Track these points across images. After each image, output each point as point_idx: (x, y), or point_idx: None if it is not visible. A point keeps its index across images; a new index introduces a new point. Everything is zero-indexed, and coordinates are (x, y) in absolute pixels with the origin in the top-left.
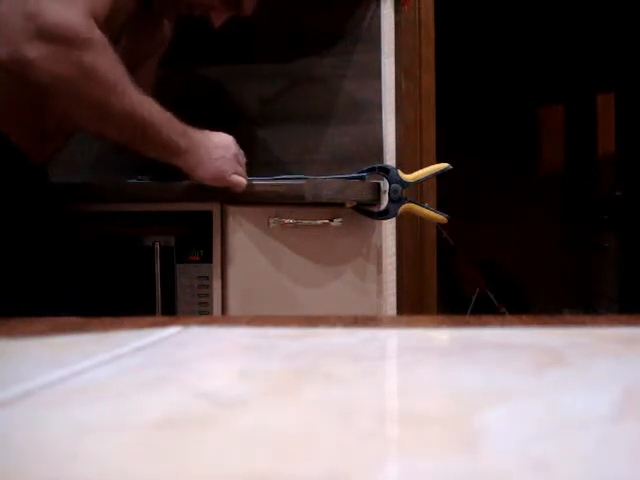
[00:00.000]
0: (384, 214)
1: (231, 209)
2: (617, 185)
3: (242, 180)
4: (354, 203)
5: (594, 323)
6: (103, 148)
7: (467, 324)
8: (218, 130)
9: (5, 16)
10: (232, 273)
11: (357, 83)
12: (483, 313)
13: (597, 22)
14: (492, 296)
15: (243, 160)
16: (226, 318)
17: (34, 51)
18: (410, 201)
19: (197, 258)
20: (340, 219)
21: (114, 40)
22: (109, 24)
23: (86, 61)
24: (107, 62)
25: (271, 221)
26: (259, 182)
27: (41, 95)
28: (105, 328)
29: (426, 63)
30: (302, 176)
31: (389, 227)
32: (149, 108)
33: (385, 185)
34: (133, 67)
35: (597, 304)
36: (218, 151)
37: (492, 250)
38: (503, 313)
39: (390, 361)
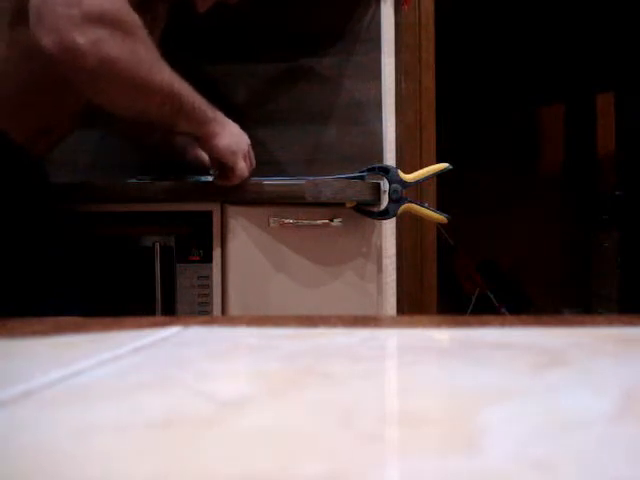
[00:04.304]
0: (384, 214)
1: (231, 209)
2: (617, 185)
3: (246, 169)
4: (354, 203)
5: (594, 323)
6: (103, 148)
7: (467, 324)
8: None
9: (48, 4)
10: (232, 273)
11: (357, 83)
12: (483, 313)
13: (597, 22)
14: (492, 296)
15: (251, 158)
16: (226, 318)
17: (82, 37)
18: (410, 201)
19: (197, 258)
20: (340, 219)
21: None
22: None
23: (129, 44)
24: (145, 43)
25: (271, 221)
26: (259, 182)
27: (42, 87)
28: (105, 328)
29: (426, 63)
30: (302, 176)
31: (389, 227)
32: (179, 81)
33: (385, 185)
34: None
35: (597, 304)
36: (237, 130)
37: (492, 250)
38: (503, 313)
39: (390, 361)
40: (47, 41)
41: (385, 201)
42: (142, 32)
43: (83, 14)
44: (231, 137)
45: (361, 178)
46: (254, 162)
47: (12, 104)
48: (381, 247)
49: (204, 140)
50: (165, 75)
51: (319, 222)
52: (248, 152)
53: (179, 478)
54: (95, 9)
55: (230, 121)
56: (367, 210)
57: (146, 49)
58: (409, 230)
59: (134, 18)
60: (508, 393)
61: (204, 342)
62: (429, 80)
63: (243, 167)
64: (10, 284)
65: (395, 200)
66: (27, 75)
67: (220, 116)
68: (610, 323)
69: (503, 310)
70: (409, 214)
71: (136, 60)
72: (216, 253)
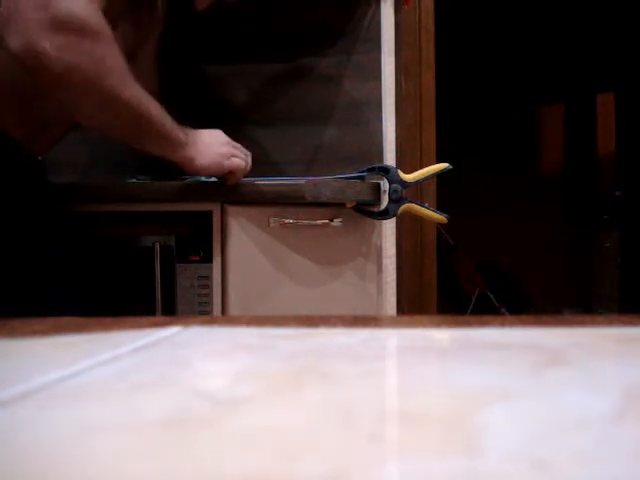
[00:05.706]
0: (384, 214)
1: (231, 209)
2: (617, 185)
3: (241, 162)
4: (354, 203)
5: (594, 323)
6: (103, 148)
7: (467, 324)
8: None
9: (17, 7)
10: (232, 273)
11: (357, 83)
12: (483, 313)
13: (597, 22)
14: (492, 296)
15: (239, 148)
16: (226, 318)
17: (47, 42)
18: (410, 201)
19: (197, 258)
20: (340, 219)
21: (112, 27)
22: (107, 11)
23: (98, 51)
24: (115, 53)
25: (271, 221)
26: (259, 182)
27: (38, 85)
28: (105, 328)
29: (426, 63)
30: (302, 176)
31: (389, 227)
32: (149, 100)
33: (385, 185)
34: (131, 53)
35: (597, 304)
36: (211, 139)
37: (492, 250)
38: (503, 313)
39: (390, 361)
40: (14, 44)
41: (385, 201)
42: (111, 42)
43: (51, 19)
44: (210, 150)
45: (361, 178)
46: (240, 146)
47: (8, 104)
48: (381, 247)
49: (184, 165)
50: (134, 91)
51: (319, 222)
52: (231, 147)
53: (179, 478)
54: (64, 14)
55: (199, 132)
56: (367, 210)
57: (116, 60)
58: (409, 230)
59: (104, 27)
60: (508, 393)
61: (204, 342)
62: (429, 80)
63: (237, 164)
64: (10, 284)
65: (395, 200)
66: (19, 77)
67: (192, 137)
68: (610, 323)
69: (503, 310)
70: (409, 214)
71: (103, 70)
72: (216, 253)
